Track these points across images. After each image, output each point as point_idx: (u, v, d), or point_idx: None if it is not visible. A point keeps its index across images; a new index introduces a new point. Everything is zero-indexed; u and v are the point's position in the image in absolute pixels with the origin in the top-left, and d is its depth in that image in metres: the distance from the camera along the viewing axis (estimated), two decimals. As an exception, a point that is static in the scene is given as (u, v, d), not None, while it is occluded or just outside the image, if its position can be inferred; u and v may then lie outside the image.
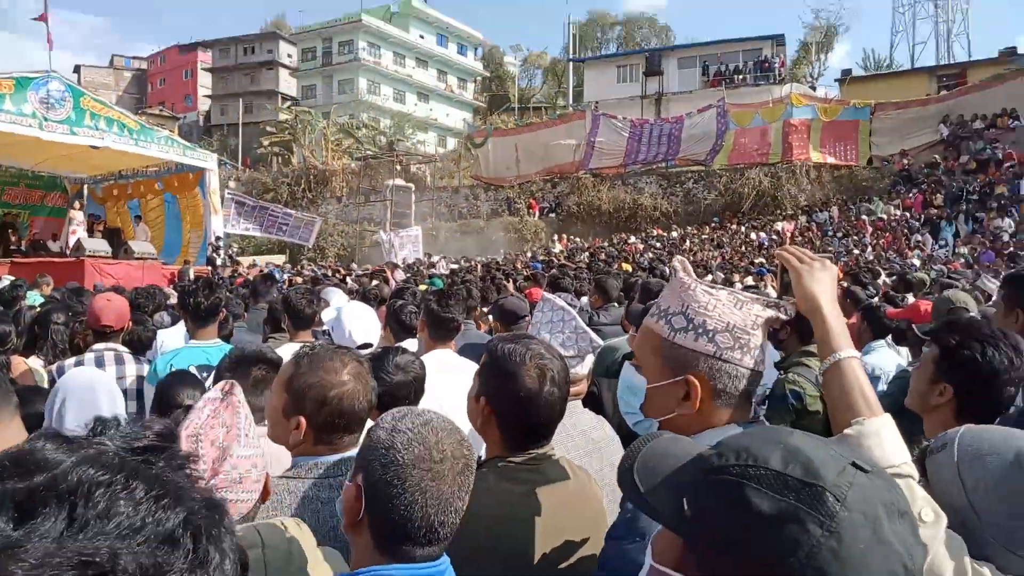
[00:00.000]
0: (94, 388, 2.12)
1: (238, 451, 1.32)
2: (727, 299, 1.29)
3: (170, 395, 2.23)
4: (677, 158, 29.57)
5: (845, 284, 6.21)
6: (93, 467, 0.55)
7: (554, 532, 1.61)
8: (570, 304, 5.49)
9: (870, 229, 22.41)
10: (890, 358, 3.96)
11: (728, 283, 11.43)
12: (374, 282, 9.24)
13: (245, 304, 5.99)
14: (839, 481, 0.72)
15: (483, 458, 1.70)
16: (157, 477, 0.58)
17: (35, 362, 3.98)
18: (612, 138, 30.60)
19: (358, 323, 2.98)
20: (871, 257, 18.43)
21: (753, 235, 23.85)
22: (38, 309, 4.72)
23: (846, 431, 1.23)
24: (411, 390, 2.29)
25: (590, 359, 2.50)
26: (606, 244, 25.40)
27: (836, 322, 1.35)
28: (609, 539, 1.32)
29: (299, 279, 10.03)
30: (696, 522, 0.77)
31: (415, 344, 3.72)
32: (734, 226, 25.80)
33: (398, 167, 34.41)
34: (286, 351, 3.71)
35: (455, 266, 17.99)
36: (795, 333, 3.12)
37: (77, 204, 18.53)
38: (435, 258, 22.06)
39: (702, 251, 22.16)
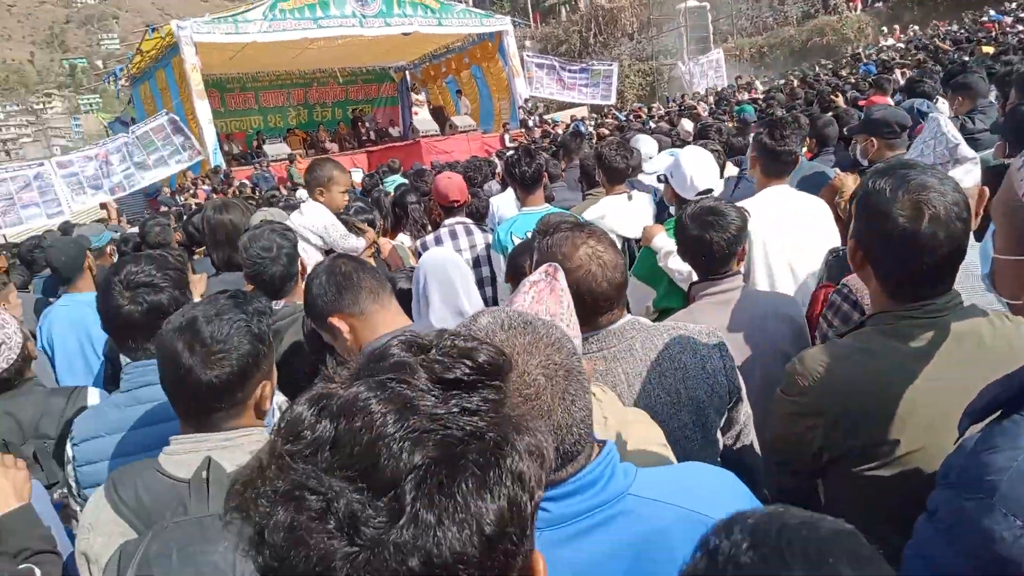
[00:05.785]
0: (446, 267, 2.49)
1: None
2: None
3: (517, 263, 2.51)
4: None
5: None
6: (373, 393, 0.56)
7: (961, 394, 1.35)
8: (928, 110, 4.59)
9: None
10: None
11: None
12: (685, 124, 8.79)
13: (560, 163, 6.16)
14: None
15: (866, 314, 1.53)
16: (422, 413, 0.56)
17: (403, 239, 4.65)
18: None
19: (698, 168, 2.81)
20: None
21: None
22: (391, 193, 5.45)
23: None
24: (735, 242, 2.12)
25: (977, 171, 2.16)
26: (955, 26, 20.59)
27: None
28: (943, 483, 0.98)
29: (604, 129, 10.04)
30: None
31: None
32: None
33: (689, -15, 31.63)
34: (604, 204, 3.77)
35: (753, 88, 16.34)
36: None
37: (415, 87, 20.87)
38: (743, 81, 20.28)
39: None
